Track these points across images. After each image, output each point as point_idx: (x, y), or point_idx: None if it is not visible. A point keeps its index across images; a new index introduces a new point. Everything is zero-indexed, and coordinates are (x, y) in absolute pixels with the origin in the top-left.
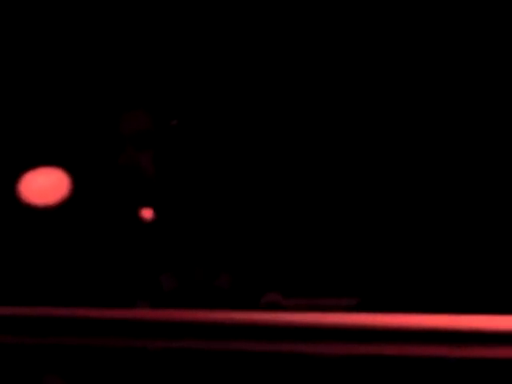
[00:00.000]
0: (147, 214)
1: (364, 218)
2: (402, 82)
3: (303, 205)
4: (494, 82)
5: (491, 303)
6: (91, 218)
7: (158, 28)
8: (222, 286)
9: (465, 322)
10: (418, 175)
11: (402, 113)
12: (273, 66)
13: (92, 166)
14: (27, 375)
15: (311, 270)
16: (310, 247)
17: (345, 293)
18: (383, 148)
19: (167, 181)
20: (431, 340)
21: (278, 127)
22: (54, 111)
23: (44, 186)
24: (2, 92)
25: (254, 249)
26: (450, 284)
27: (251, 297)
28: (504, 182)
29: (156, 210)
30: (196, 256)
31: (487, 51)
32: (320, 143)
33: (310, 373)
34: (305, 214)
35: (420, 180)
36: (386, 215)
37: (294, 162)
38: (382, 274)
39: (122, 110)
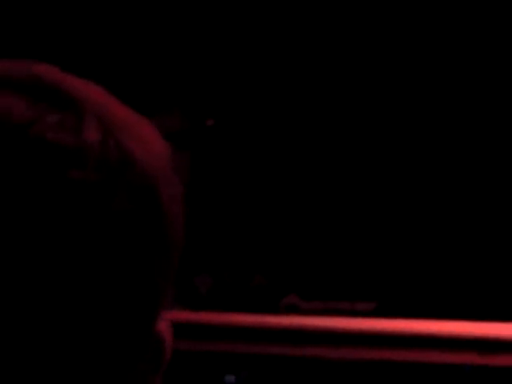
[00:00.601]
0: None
1: (383, 224)
2: (402, 82)
3: (325, 209)
4: (494, 82)
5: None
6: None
7: (195, 29)
8: (257, 285)
9: (485, 329)
10: (430, 180)
11: (402, 113)
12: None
13: None
14: None
15: (330, 274)
16: (329, 250)
17: (362, 297)
18: (392, 154)
19: (202, 182)
20: (449, 346)
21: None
22: None
23: None
24: None
25: (274, 252)
26: (469, 290)
27: (270, 299)
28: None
29: (190, 212)
30: (229, 258)
31: (487, 51)
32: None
33: (326, 376)
34: (326, 219)
35: (433, 186)
36: (405, 220)
37: (316, 166)
38: (400, 279)
39: (156, 110)
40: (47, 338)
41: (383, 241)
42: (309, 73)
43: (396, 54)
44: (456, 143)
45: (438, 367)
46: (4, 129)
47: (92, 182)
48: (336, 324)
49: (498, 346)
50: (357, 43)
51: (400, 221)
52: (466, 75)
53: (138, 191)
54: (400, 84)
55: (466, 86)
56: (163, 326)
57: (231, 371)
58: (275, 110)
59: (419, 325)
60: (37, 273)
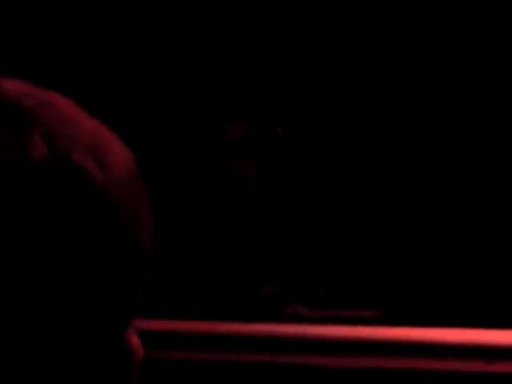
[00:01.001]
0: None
1: (389, 231)
2: (402, 82)
3: (328, 218)
4: (494, 82)
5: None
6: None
7: (263, 35)
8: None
9: (491, 336)
10: (436, 187)
11: (402, 114)
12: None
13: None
14: None
15: (335, 282)
16: (333, 259)
17: (367, 304)
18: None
19: (269, 189)
20: (453, 354)
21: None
22: (158, 120)
23: None
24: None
25: (280, 260)
26: (475, 297)
27: (275, 308)
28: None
29: (257, 218)
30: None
31: (487, 51)
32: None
33: None
34: (328, 227)
35: (439, 193)
36: (410, 227)
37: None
38: (405, 286)
39: (224, 118)
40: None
41: (388, 247)
42: (375, 78)
43: (396, 54)
44: (456, 147)
45: (444, 375)
46: None
47: (37, 198)
48: (341, 332)
49: (504, 353)
50: (351, 42)
51: (405, 228)
52: (466, 75)
53: (91, 205)
54: (400, 84)
55: (466, 85)
56: (135, 339)
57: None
58: (342, 117)
59: (425, 333)
60: None
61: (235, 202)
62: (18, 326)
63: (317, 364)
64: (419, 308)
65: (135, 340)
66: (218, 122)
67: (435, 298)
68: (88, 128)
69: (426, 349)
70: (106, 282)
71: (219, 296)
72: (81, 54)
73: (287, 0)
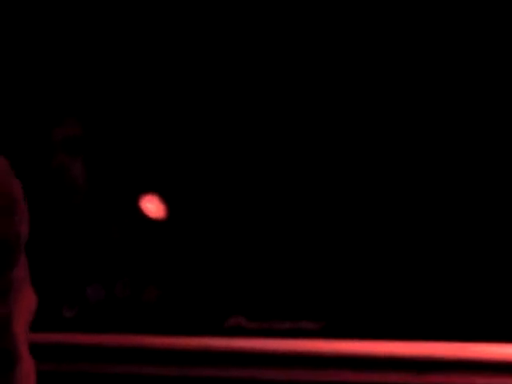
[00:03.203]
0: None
1: (328, 237)
2: (402, 82)
3: (266, 220)
4: (494, 82)
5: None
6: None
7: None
8: (149, 300)
9: (424, 348)
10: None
11: (402, 115)
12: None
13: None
14: None
15: (275, 292)
16: (274, 268)
17: (309, 316)
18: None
19: (98, 188)
20: (398, 368)
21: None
22: None
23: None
24: None
25: (220, 271)
26: (421, 309)
27: (214, 320)
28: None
29: (85, 216)
30: (123, 267)
31: (487, 51)
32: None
33: None
34: (268, 232)
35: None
36: (349, 234)
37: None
38: (348, 297)
39: (53, 117)
40: None
41: (331, 256)
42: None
43: (396, 54)
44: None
45: None
46: None
47: None
48: (279, 346)
49: (437, 366)
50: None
51: (345, 234)
52: (466, 75)
53: None
54: (400, 84)
55: (466, 85)
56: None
57: None
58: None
59: (365, 346)
60: None
61: (66, 199)
62: None
63: (256, 378)
64: (360, 320)
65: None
66: (48, 123)
67: (376, 310)
68: None
69: (366, 362)
70: None
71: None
72: None
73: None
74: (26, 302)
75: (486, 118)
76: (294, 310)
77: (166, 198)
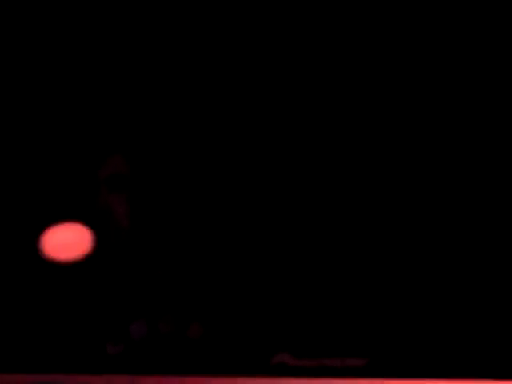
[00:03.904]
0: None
1: (374, 275)
2: (402, 82)
3: (309, 257)
4: (494, 82)
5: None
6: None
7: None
8: (193, 337)
9: None
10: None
11: (402, 117)
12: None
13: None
14: None
15: (320, 329)
16: (317, 304)
17: (354, 353)
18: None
19: (141, 225)
20: None
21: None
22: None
23: (66, 241)
24: None
25: (264, 308)
26: (470, 346)
27: (260, 358)
28: None
29: (129, 254)
30: (167, 304)
31: (487, 51)
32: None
33: None
34: (312, 269)
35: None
36: (398, 270)
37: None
38: (393, 333)
39: (99, 154)
40: None
41: (376, 292)
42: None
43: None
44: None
45: None
46: None
47: None
48: None
49: None
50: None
51: (390, 273)
52: (466, 75)
53: None
54: (400, 84)
55: (466, 86)
56: None
57: None
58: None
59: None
60: None
61: (111, 238)
62: None
63: None
64: (409, 357)
65: None
66: (94, 159)
67: (426, 347)
68: None
69: None
70: None
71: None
72: None
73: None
74: None
75: (486, 118)
76: (340, 346)
77: (210, 237)
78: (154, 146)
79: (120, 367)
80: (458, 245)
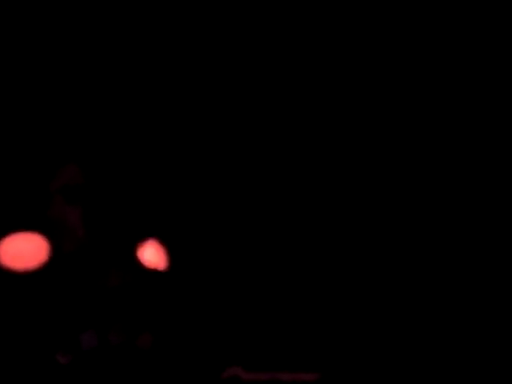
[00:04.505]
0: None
1: (327, 285)
2: (402, 82)
3: (264, 270)
4: (494, 83)
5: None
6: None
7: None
8: (143, 347)
9: None
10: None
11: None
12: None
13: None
14: None
15: (272, 343)
16: (271, 317)
17: (306, 367)
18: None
19: (95, 236)
20: None
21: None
22: None
23: (22, 250)
24: None
25: (214, 321)
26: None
27: (211, 371)
28: None
29: (81, 264)
30: (117, 314)
31: (487, 51)
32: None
33: None
34: (266, 282)
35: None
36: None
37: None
38: (345, 347)
39: (53, 165)
40: None
41: (328, 305)
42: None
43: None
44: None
45: None
46: None
47: None
48: None
49: None
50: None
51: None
52: (466, 75)
53: None
54: (400, 84)
55: (466, 86)
56: None
57: None
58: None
59: None
60: None
61: (63, 248)
62: None
63: None
64: (360, 371)
65: None
66: (47, 169)
67: (376, 360)
68: None
69: None
70: None
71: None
72: None
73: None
74: None
75: (486, 118)
76: (292, 360)
77: (164, 248)
78: (108, 155)
79: (70, 377)
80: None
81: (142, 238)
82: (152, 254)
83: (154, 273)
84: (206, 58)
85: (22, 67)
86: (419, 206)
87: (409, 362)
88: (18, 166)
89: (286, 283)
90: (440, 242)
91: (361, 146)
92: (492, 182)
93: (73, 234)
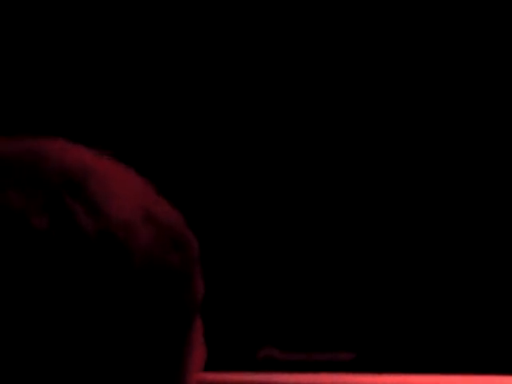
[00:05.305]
0: None
1: (362, 269)
2: (402, 83)
3: (295, 253)
4: (494, 83)
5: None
6: None
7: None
8: None
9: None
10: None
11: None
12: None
13: None
14: None
15: (308, 323)
16: (305, 296)
17: (342, 347)
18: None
19: None
20: None
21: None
22: None
23: None
24: None
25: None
26: (460, 340)
27: (246, 352)
28: None
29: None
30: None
31: (487, 51)
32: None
33: None
34: (298, 263)
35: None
36: (387, 266)
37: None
38: (381, 328)
39: None
40: None
41: (364, 286)
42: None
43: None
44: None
45: None
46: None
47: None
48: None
49: None
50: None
51: (382, 266)
52: (466, 75)
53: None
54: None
55: (466, 86)
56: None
57: None
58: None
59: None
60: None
61: None
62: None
63: None
64: (397, 352)
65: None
66: None
67: (414, 342)
68: (135, 193)
69: None
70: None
71: None
72: None
73: None
74: (198, 359)
75: (486, 118)
76: (329, 340)
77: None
78: (105, 144)
79: None
80: (443, 240)
81: None
82: None
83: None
84: (206, 57)
85: (21, 60)
86: (419, 205)
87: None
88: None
89: (321, 263)
90: (440, 241)
91: (361, 146)
92: (492, 181)
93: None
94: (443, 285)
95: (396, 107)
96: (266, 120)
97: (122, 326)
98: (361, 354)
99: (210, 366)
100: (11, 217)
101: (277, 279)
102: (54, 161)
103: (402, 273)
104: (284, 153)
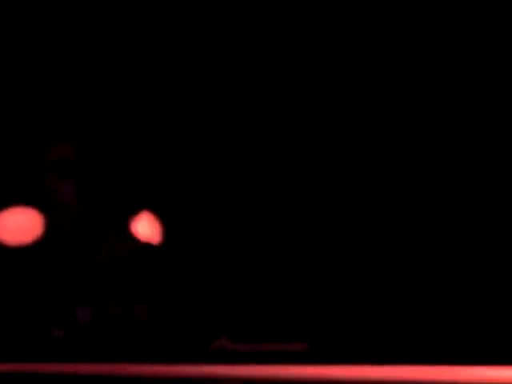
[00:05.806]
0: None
1: (314, 260)
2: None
3: (251, 240)
4: (494, 83)
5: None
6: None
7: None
8: (139, 317)
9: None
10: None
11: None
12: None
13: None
14: None
15: (260, 314)
16: (259, 289)
17: (295, 338)
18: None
19: (89, 210)
20: None
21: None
22: None
23: (18, 224)
24: None
25: (207, 293)
26: (412, 331)
27: (199, 342)
28: None
29: (75, 238)
30: (112, 288)
31: (487, 51)
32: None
33: None
34: (253, 252)
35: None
36: (335, 257)
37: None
38: (333, 317)
39: (46, 140)
40: None
41: (318, 276)
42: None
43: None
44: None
45: None
46: None
47: None
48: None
49: None
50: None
51: (330, 258)
52: (466, 75)
53: None
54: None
55: (466, 86)
56: None
57: None
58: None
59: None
60: None
61: (56, 222)
62: None
63: None
64: (349, 343)
65: None
66: (40, 144)
67: (366, 332)
68: None
69: None
70: None
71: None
72: None
73: None
74: None
75: (486, 118)
76: (279, 331)
77: (157, 221)
78: (101, 131)
79: (66, 351)
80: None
81: (135, 211)
82: (145, 227)
83: (147, 246)
84: (206, 58)
85: (17, 50)
86: (419, 204)
87: (397, 332)
88: (12, 141)
89: (274, 254)
90: (440, 240)
91: (361, 146)
92: (492, 182)
93: (67, 209)
94: (392, 272)
95: (396, 107)
96: (266, 120)
97: None
98: (313, 345)
99: (165, 358)
100: None
101: (230, 272)
102: None
103: (350, 262)
104: (284, 153)
